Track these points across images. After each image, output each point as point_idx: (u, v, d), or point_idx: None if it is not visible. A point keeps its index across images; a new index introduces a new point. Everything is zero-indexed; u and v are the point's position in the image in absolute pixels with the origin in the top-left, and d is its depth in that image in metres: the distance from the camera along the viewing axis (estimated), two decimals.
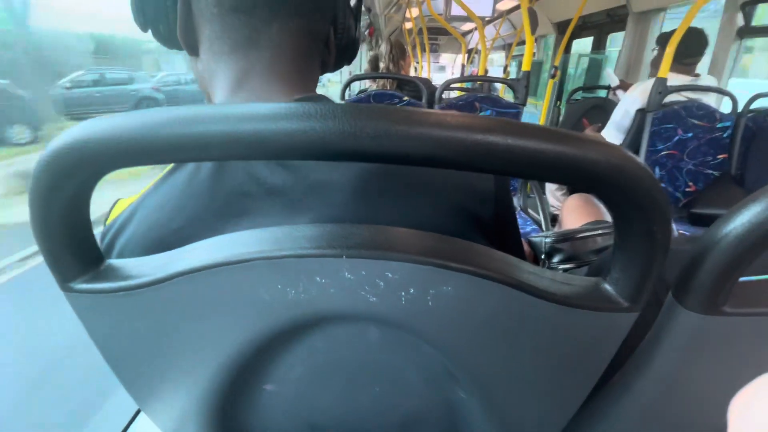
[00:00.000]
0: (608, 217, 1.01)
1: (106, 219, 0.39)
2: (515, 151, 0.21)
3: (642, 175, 0.22)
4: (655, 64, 1.93)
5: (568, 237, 0.73)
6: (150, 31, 0.42)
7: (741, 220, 0.26)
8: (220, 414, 0.39)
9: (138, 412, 0.72)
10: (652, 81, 1.87)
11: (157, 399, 0.39)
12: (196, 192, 0.35)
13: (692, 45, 1.77)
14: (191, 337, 0.31)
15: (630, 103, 1.89)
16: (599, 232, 0.72)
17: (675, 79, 1.77)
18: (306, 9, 0.38)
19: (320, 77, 0.45)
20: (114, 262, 0.31)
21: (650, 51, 2.98)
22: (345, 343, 0.34)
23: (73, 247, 0.28)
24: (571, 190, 2.10)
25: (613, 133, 1.96)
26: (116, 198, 0.40)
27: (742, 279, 0.30)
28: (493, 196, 0.38)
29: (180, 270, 0.27)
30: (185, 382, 0.36)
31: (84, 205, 0.27)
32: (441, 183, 0.36)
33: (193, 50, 0.41)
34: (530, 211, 1.90)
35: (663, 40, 1.87)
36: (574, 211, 1.05)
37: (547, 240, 0.74)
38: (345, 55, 0.46)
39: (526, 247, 0.79)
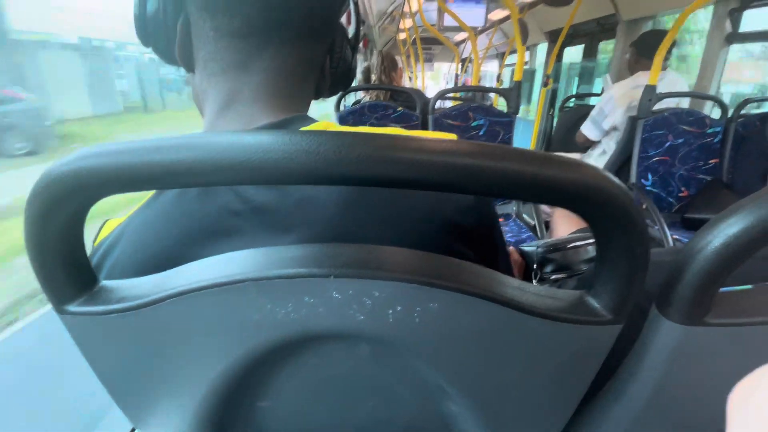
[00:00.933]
0: None
1: (95, 240, 0.39)
2: (499, 174, 0.22)
3: (618, 194, 0.23)
4: (630, 65, 2.09)
5: (559, 247, 0.74)
6: (151, 47, 0.43)
7: (718, 233, 0.27)
8: (216, 431, 0.39)
9: (133, 431, 0.71)
10: (625, 81, 2.02)
11: (152, 418, 0.40)
12: (184, 212, 0.35)
13: (657, 44, 1.90)
14: (184, 357, 0.32)
15: (605, 101, 2.02)
16: (590, 241, 0.73)
17: (644, 77, 1.89)
18: (301, 38, 0.39)
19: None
20: (107, 283, 0.31)
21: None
22: (337, 360, 0.34)
23: (68, 271, 0.29)
24: None
25: (588, 125, 2.11)
26: (105, 218, 0.41)
27: (722, 290, 0.30)
28: (474, 207, 0.39)
29: (172, 291, 0.28)
30: (179, 400, 0.36)
31: (78, 229, 0.27)
32: (423, 196, 0.36)
33: (189, 67, 0.42)
34: (525, 217, 1.91)
35: (637, 43, 2.03)
36: (564, 218, 1.06)
37: (539, 250, 0.75)
38: (341, 81, 0.47)
39: (517, 256, 0.80)
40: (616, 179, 0.24)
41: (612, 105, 1.99)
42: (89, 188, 0.24)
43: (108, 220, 0.40)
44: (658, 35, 1.90)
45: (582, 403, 0.36)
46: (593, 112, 2.10)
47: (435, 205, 0.37)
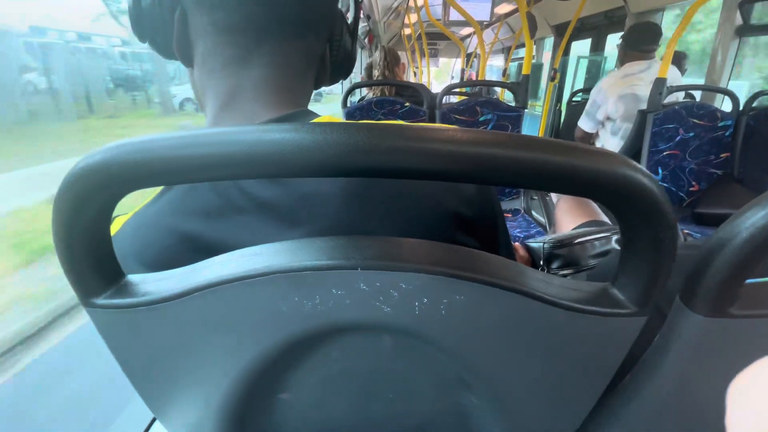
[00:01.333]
0: (603, 217, 1.01)
1: None
2: (523, 163, 0.22)
3: (647, 184, 0.23)
4: (620, 57, 2.15)
5: (566, 242, 0.73)
6: (147, 42, 0.42)
7: (747, 223, 0.27)
8: (236, 423, 0.40)
9: (153, 421, 0.72)
10: (613, 72, 2.09)
11: (173, 409, 0.40)
12: (190, 209, 0.36)
13: (648, 36, 1.99)
14: (209, 350, 0.32)
15: (596, 93, 2.06)
16: (597, 236, 0.72)
17: (635, 66, 1.97)
18: (298, 32, 0.39)
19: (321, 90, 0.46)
20: (133, 277, 0.31)
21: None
22: (359, 352, 0.35)
23: (95, 264, 0.29)
24: None
25: (584, 119, 2.16)
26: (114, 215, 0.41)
27: (748, 281, 0.30)
28: (476, 197, 0.39)
29: (199, 285, 0.28)
30: (202, 392, 0.37)
31: (105, 223, 0.28)
32: (427, 188, 0.37)
33: (188, 62, 0.42)
34: (534, 213, 1.90)
35: (625, 37, 2.09)
36: (568, 212, 1.05)
37: (546, 246, 0.74)
38: (341, 70, 0.47)
39: (523, 252, 0.79)
40: (643, 167, 0.24)
41: (603, 95, 2.03)
42: (119, 181, 0.25)
43: (117, 216, 0.40)
44: (644, 28, 2.01)
45: (601, 397, 0.36)
46: (587, 106, 2.15)
47: (438, 197, 0.37)
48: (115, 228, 0.39)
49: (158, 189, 0.39)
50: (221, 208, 0.35)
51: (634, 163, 0.23)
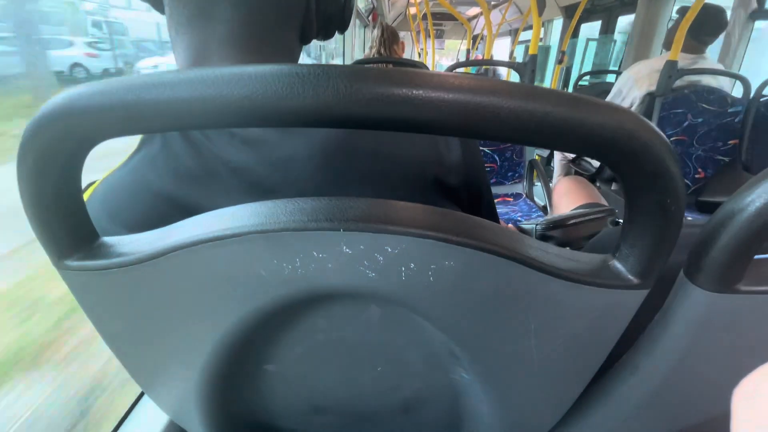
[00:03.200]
0: (602, 200, 0.99)
1: None
2: (521, 115, 0.20)
3: (656, 141, 0.21)
4: (671, 36, 1.84)
5: (558, 224, 0.71)
6: None
7: (758, 196, 0.25)
8: (222, 395, 0.39)
9: (142, 394, 0.72)
10: (648, 61, 1.86)
11: (158, 380, 0.39)
12: (162, 172, 0.34)
13: (710, 24, 1.69)
14: (187, 315, 0.31)
15: (623, 82, 1.89)
16: (591, 217, 0.70)
17: (681, 60, 1.73)
18: None
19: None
20: (107, 239, 0.30)
21: (660, 33, 2.92)
22: (346, 322, 0.33)
23: (66, 223, 0.28)
24: (575, 175, 2.08)
25: None
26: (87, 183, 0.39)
27: (757, 257, 0.28)
28: (461, 164, 0.38)
29: (173, 245, 0.26)
30: (184, 361, 0.36)
31: (74, 178, 0.26)
32: (409, 153, 0.35)
33: (160, 9, 0.39)
34: (536, 198, 1.88)
35: (684, 11, 1.76)
36: (566, 195, 1.03)
37: (538, 227, 0.72)
38: (332, 23, 0.44)
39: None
40: (652, 124, 0.22)
41: (630, 86, 1.87)
42: (83, 131, 0.23)
43: (93, 182, 0.39)
44: (712, 13, 1.69)
45: (597, 376, 0.35)
46: (611, 96, 1.97)
47: (421, 161, 0.36)
48: (88, 193, 0.38)
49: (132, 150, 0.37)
50: (195, 170, 0.34)
51: (644, 119, 0.21)
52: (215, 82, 0.20)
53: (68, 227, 0.28)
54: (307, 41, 0.43)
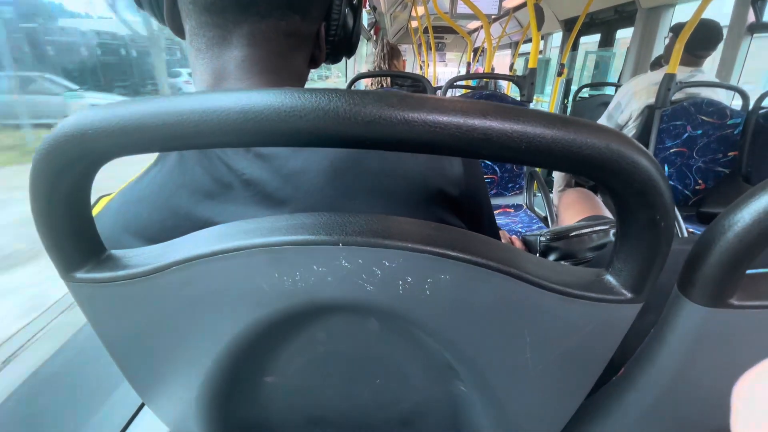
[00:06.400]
0: (606, 212, 0.99)
1: None
2: (512, 136, 0.21)
3: (643, 161, 0.22)
4: (666, 54, 1.91)
5: (562, 235, 0.72)
6: (146, 10, 0.42)
7: (749, 211, 0.26)
8: (222, 406, 0.39)
9: (142, 406, 0.72)
10: (647, 74, 1.89)
11: (159, 391, 0.39)
12: (177, 185, 0.35)
13: (706, 38, 1.74)
14: (190, 327, 0.31)
15: (622, 94, 1.92)
16: (595, 229, 0.71)
17: (679, 73, 1.76)
18: (278, 12, 0.38)
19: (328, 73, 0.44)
20: (115, 252, 0.31)
21: (659, 47, 2.95)
22: (345, 335, 0.34)
23: (75, 237, 0.28)
24: (575, 186, 2.09)
25: (603, 121, 2.02)
26: (99, 196, 0.41)
27: (749, 271, 0.29)
28: (462, 178, 0.39)
29: (178, 259, 0.27)
30: (186, 373, 0.36)
31: (85, 194, 0.27)
32: (413, 168, 0.36)
33: (182, 36, 0.41)
34: (536, 209, 1.88)
35: (677, 29, 1.83)
36: (570, 207, 1.04)
37: (542, 238, 0.73)
38: (341, 49, 0.46)
39: (520, 244, 0.78)
40: (640, 144, 0.22)
41: (629, 98, 1.90)
42: (95, 150, 0.24)
43: (102, 196, 0.40)
44: (707, 28, 1.72)
45: (594, 389, 0.35)
46: (610, 107, 2.01)
47: (425, 176, 0.37)
48: (99, 207, 0.39)
49: (148, 164, 0.39)
50: (209, 184, 0.35)
51: (631, 139, 0.22)
52: (220, 106, 0.21)
53: (77, 241, 0.29)
54: (316, 65, 0.45)
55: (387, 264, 0.26)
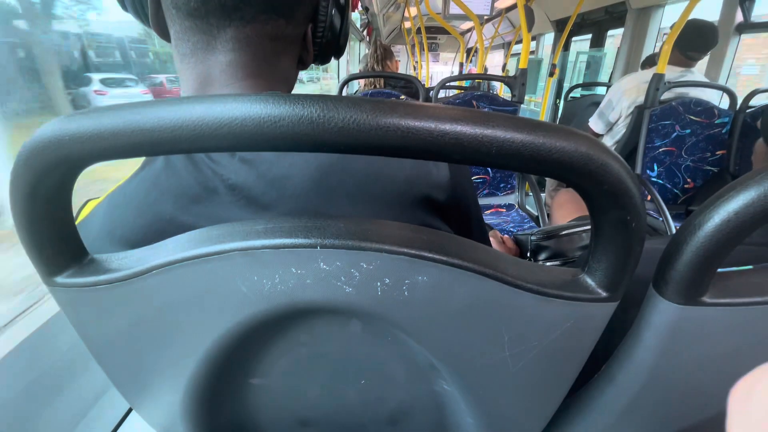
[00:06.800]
0: None
1: (75, 219, 0.40)
2: (483, 141, 0.21)
3: (612, 163, 0.23)
4: (651, 58, 1.92)
5: (552, 234, 0.73)
6: (131, 12, 0.42)
7: (718, 210, 0.26)
8: (209, 409, 0.39)
9: (130, 411, 0.72)
10: (637, 73, 1.91)
11: (146, 395, 0.40)
12: (162, 190, 0.35)
13: (700, 40, 1.73)
14: (173, 330, 0.32)
15: (613, 93, 1.93)
16: (584, 228, 0.72)
17: (669, 72, 1.78)
18: (261, 16, 0.38)
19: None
20: (97, 256, 0.31)
21: (648, 47, 2.98)
22: (327, 337, 0.34)
23: (57, 242, 0.29)
24: (567, 186, 2.10)
25: (595, 119, 2.03)
26: (87, 198, 0.41)
27: (720, 270, 0.30)
28: (449, 183, 0.39)
29: (158, 263, 0.27)
30: (171, 376, 0.36)
31: (65, 199, 0.27)
32: (398, 173, 0.36)
33: (167, 39, 0.41)
34: (528, 208, 1.89)
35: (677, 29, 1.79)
36: (562, 207, 1.05)
37: (533, 237, 0.74)
38: (329, 50, 0.46)
39: (512, 244, 0.79)
40: (609, 148, 0.23)
41: (619, 96, 1.91)
42: (75, 155, 0.24)
43: (90, 200, 0.40)
44: (700, 29, 1.72)
45: (575, 387, 0.36)
46: (601, 106, 2.02)
47: (411, 180, 0.37)
48: (87, 211, 0.39)
49: (135, 169, 0.39)
50: (194, 189, 0.35)
51: (599, 142, 0.23)
52: (194, 113, 0.21)
53: (58, 245, 0.29)
54: (304, 67, 0.45)
55: (365, 266, 0.26)
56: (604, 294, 0.28)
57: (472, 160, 0.22)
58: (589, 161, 0.22)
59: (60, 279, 0.30)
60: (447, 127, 0.21)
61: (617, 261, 0.27)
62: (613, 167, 0.23)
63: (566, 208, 1.06)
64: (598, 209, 0.25)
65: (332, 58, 0.49)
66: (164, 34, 0.41)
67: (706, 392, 0.35)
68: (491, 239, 0.77)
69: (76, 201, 0.33)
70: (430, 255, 0.26)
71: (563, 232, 0.75)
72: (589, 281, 0.29)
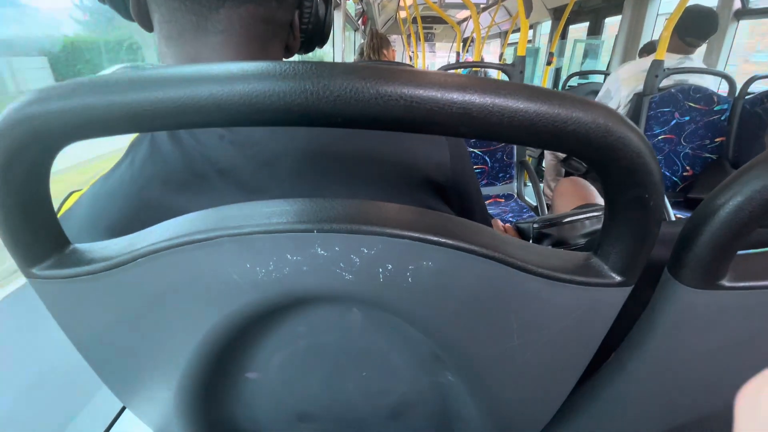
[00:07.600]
0: (600, 201, 0.99)
1: (58, 211, 0.38)
2: (494, 111, 0.19)
3: (632, 137, 0.21)
4: (649, 46, 1.90)
5: (555, 222, 0.71)
6: (107, 2, 0.41)
7: (737, 191, 0.25)
8: (204, 404, 0.38)
9: (123, 410, 0.70)
10: (634, 62, 1.90)
11: (138, 392, 0.38)
12: (149, 177, 0.34)
13: (700, 26, 1.71)
14: (162, 322, 0.30)
15: (611, 82, 1.92)
16: (587, 215, 0.70)
17: (668, 59, 1.76)
18: None
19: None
20: (79, 246, 0.29)
21: (646, 34, 2.95)
22: (326, 327, 0.33)
23: (34, 230, 0.27)
24: (566, 175, 2.09)
25: None
26: (70, 190, 0.39)
27: (740, 252, 0.28)
28: (449, 164, 0.38)
29: (143, 251, 0.26)
30: (163, 370, 0.34)
31: (42, 183, 0.25)
32: (396, 152, 0.35)
33: (148, 28, 0.40)
34: (527, 198, 1.88)
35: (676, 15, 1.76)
36: (564, 195, 1.04)
37: (535, 225, 0.72)
38: (314, 38, 0.46)
39: (514, 233, 0.78)
40: (629, 120, 0.21)
41: (617, 86, 1.90)
42: (47, 134, 0.22)
43: (74, 191, 0.39)
44: (701, 16, 1.69)
45: (585, 375, 0.35)
46: (600, 95, 2.01)
47: (409, 162, 0.36)
48: (71, 202, 0.38)
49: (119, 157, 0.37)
50: (183, 175, 0.34)
51: (618, 113, 0.21)
52: (180, 81, 0.19)
53: (36, 234, 0.27)
54: (290, 55, 0.45)
55: (365, 251, 0.25)
56: (617, 278, 0.27)
57: (481, 133, 0.20)
58: (608, 133, 0.20)
59: (39, 270, 0.28)
60: (455, 96, 0.19)
61: (632, 243, 0.26)
62: (633, 140, 0.21)
63: (568, 197, 1.05)
64: (614, 187, 0.24)
65: (316, 47, 0.49)
66: (145, 21, 0.39)
67: (719, 382, 0.34)
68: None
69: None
70: (435, 238, 0.24)
71: (566, 220, 0.73)
72: (602, 265, 0.27)
